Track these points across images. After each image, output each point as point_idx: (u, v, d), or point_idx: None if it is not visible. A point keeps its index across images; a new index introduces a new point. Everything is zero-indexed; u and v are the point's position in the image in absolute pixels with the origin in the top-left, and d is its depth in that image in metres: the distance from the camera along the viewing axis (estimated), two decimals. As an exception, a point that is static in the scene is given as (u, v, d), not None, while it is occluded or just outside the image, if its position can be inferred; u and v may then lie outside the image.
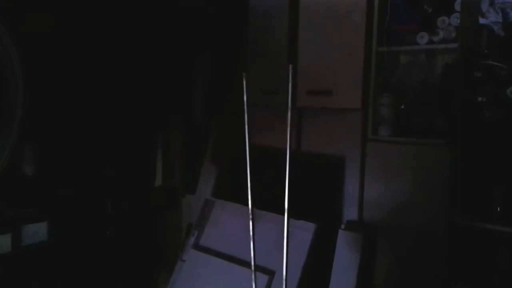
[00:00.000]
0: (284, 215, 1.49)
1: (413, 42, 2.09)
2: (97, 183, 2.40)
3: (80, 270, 2.30)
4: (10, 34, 1.93)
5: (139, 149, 2.66)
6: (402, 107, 2.17)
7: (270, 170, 2.19)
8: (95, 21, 2.32)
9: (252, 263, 1.56)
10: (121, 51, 2.45)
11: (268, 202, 2.02)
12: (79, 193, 2.31)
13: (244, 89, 1.33)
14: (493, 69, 1.96)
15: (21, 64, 1.97)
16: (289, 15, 2.36)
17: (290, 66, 1.26)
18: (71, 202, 2.26)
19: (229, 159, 2.64)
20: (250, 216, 1.45)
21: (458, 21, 1.98)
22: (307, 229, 2.06)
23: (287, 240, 1.50)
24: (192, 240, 2.38)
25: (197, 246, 2.35)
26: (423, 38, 2.06)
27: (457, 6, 1.99)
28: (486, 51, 1.99)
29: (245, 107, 1.34)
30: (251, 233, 1.54)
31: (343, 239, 2.06)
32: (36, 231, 2.12)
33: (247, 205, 1.56)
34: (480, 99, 1.98)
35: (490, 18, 1.99)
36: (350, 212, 2.22)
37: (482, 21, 2.00)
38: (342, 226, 2.11)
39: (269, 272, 2.02)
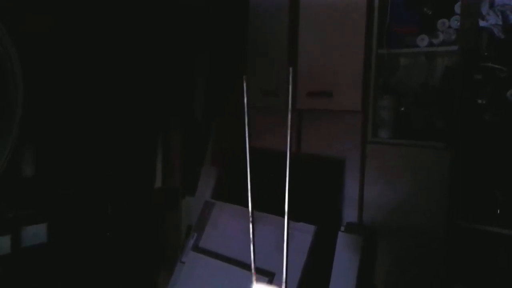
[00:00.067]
0: (284, 217, 1.49)
1: (413, 44, 2.09)
2: (97, 183, 2.40)
3: (80, 271, 2.30)
4: (10, 34, 1.93)
5: (139, 149, 2.66)
6: (402, 109, 2.17)
7: (270, 172, 2.19)
8: (95, 21, 2.32)
9: (252, 265, 1.56)
10: (121, 51, 2.44)
11: (268, 203, 2.02)
12: (79, 194, 2.30)
13: (245, 92, 1.33)
14: (493, 72, 1.96)
15: (21, 64, 1.97)
16: (289, 15, 2.36)
17: (291, 69, 1.26)
18: (71, 203, 2.26)
19: (229, 160, 2.64)
20: (250, 219, 1.44)
21: (458, 23, 1.98)
22: (307, 231, 2.06)
23: (287, 242, 1.50)
24: (191, 242, 2.38)
25: (197, 248, 2.34)
26: (423, 41, 2.06)
27: (457, 9, 1.99)
28: (486, 54, 1.99)
29: (246, 109, 1.34)
30: (251, 235, 1.54)
31: (343, 241, 2.06)
32: (35, 233, 2.12)
33: (247, 207, 1.56)
34: (480, 101, 1.98)
35: (490, 20, 1.98)
36: (350, 214, 2.22)
37: (482, 23, 2.00)
38: (342, 228, 2.11)
39: (269, 274, 2.02)
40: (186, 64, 2.81)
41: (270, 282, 2.02)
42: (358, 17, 2.13)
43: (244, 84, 1.31)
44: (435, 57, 2.18)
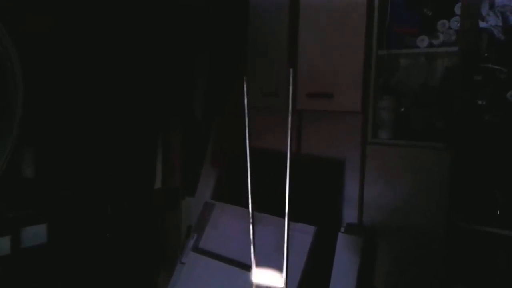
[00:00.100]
0: (284, 218, 1.49)
1: (413, 45, 2.09)
2: (97, 183, 2.40)
3: (80, 272, 2.30)
4: (10, 34, 1.93)
5: (139, 149, 2.66)
6: (402, 110, 2.17)
7: (270, 172, 2.19)
8: (95, 21, 2.32)
9: (253, 266, 1.56)
10: (121, 51, 2.44)
11: (268, 204, 2.02)
12: (79, 194, 2.30)
13: (245, 93, 1.33)
14: (493, 73, 1.96)
15: (21, 64, 1.96)
16: (289, 16, 2.36)
17: (291, 70, 1.26)
18: (71, 203, 2.26)
19: (229, 160, 2.64)
20: (251, 220, 1.45)
21: (458, 24, 1.98)
22: (307, 232, 2.06)
23: (287, 243, 1.50)
24: (191, 242, 2.38)
25: (197, 249, 2.34)
26: (423, 41, 2.06)
27: (457, 10, 1.99)
28: (486, 55, 1.99)
29: (246, 110, 1.34)
30: (251, 236, 1.54)
31: (343, 242, 2.06)
32: (35, 233, 2.12)
33: (247, 207, 1.56)
34: (480, 102, 1.99)
35: (490, 21, 1.99)
36: (350, 214, 2.22)
37: (482, 24, 2.00)
38: (342, 229, 2.11)
39: (269, 275, 2.02)
40: (186, 64, 2.81)
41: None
42: (358, 18, 2.13)
43: (245, 86, 1.31)
44: (435, 58, 2.18)
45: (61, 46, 2.19)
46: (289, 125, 1.37)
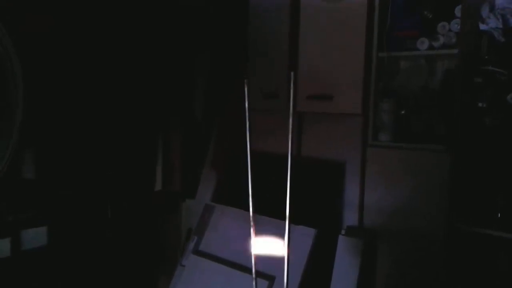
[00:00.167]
0: (284, 220, 1.49)
1: (413, 47, 2.09)
2: (97, 183, 2.40)
3: (80, 274, 2.30)
4: (10, 34, 1.93)
5: (139, 149, 2.65)
6: (402, 112, 2.17)
7: (270, 175, 2.19)
8: (95, 21, 2.32)
9: (253, 269, 1.56)
10: (121, 52, 2.44)
11: (268, 206, 2.02)
12: (79, 194, 2.30)
13: (246, 96, 1.33)
14: (493, 75, 1.96)
15: (21, 64, 1.97)
16: (290, 16, 2.36)
17: (292, 73, 1.26)
18: (71, 203, 2.26)
19: (229, 161, 2.64)
20: (251, 223, 1.44)
21: (459, 27, 1.98)
22: (307, 234, 2.06)
23: (288, 246, 1.50)
24: (191, 245, 2.38)
25: (197, 252, 2.34)
26: (423, 44, 2.06)
27: (458, 12, 1.99)
28: (486, 57, 2.00)
29: (247, 114, 1.34)
30: (252, 239, 1.54)
31: (343, 244, 2.06)
32: (35, 236, 2.12)
33: (247, 210, 1.56)
34: (480, 104, 1.99)
35: (490, 24, 1.99)
36: (350, 217, 2.22)
37: (482, 27, 2.00)
38: (343, 232, 2.11)
39: (269, 278, 2.02)
40: (186, 64, 2.81)
41: (270, 286, 2.02)
42: (359, 20, 2.13)
43: (246, 89, 1.31)
44: (435, 60, 2.18)
45: (61, 46, 2.19)
46: (290, 128, 1.37)
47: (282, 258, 1.52)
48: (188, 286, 2.26)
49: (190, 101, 2.88)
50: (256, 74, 2.47)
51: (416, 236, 2.01)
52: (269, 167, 2.16)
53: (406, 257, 2.04)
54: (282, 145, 1.51)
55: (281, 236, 1.54)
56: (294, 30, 2.35)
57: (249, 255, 1.58)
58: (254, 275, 1.58)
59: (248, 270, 1.89)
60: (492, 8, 2.02)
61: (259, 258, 1.59)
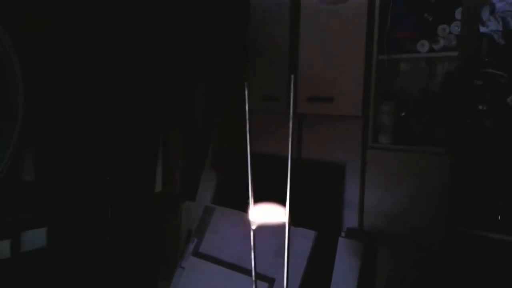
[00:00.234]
0: (284, 222, 1.49)
1: (413, 50, 2.09)
2: (97, 183, 2.39)
3: (79, 275, 2.29)
4: (10, 35, 1.93)
5: (140, 149, 2.65)
6: (403, 114, 2.17)
7: (270, 176, 2.19)
8: (95, 21, 2.32)
9: (253, 271, 1.56)
10: (121, 52, 2.44)
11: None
12: (79, 193, 2.30)
13: (246, 98, 1.33)
14: (493, 77, 1.96)
15: (21, 64, 1.97)
16: (290, 17, 2.36)
17: (292, 76, 1.26)
18: (71, 203, 2.25)
19: (229, 163, 2.64)
20: (252, 227, 1.44)
21: (459, 29, 1.98)
22: (307, 236, 2.06)
23: (288, 248, 1.49)
24: (191, 247, 2.38)
25: (197, 253, 2.34)
26: (423, 46, 2.06)
27: (458, 15, 2.00)
28: (486, 60, 2.00)
29: (247, 116, 1.34)
30: (251, 241, 1.53)
31: (343, 246, 2.06)
32: (35, 237, 2.12)
33: (247, 212, 1.56)
34: (480, 107, 1.99)
35: (491, 26, 1.99)
36: (350, 219, 2.22)
37: (482, 29, 2.01)
38: (342, 234, 2.11)
39: (269, 280, 2.02)
40: (186, 64, 2.81)
41: (270, 287, 2.01)
42: (359, 22, 2.13)
43: (246, 91, 1.31)
44: (436, 63, 2.19)
45: (61, 46, 2.19)
46: (290, 130, 1.37)
47: (282, 260, 1.52)
48: (188, 288, 2.26)
49: (190, 101, 2.88)
50: (256, 75, 2.47)
51: (416, 238, 2.01)
52: (269, 168, 2.16)
53: (406, 259, 2.04)
54: (282, 146, 1.51)
55: (281, 238, 1.53)
56: (294, 32, 2.35)
57: (248, 257, 1.57)
58: (254, 277, 1.57)
59: (248, 272, 1.89)
60: (492, 11, 2.02)
61: (259, 260, 1.58)
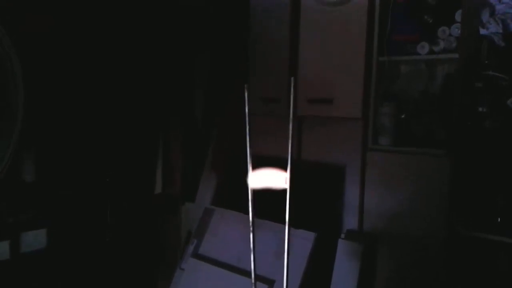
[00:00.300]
0: (284, 224, 1.49)
1: (413, 52, 2.09)
2: (97, 183, 2.39)
3: (79, 276, 2.29)
4: (10, 35, 1.93)
5: (140, 149, 2.65)
6: (403, 116, 2.17)
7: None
8: (95, 21, 2.32)
9: (252, 273, 1.56)
10: (121, 52, 2.44)
11: (268, 210, 2.02)
12: (79, 193, 2.29)
13: (246, 101, 1.33)
14: (493, 80, 1.96)
15: (21, 64, 1.97)
16: (290, 17, 2.36)
17: (292, 78, 1.26)
18: (71, 203, 2.25)
19: (229, 163, 2.64)
20: (251, 228, 1.44)
21: (459, 31, 1.98)
22: (307, 238, 2.06)
23: (287, 249, 1.49)
24: (191, 248, 2.37)
25: (197, 255, 2.34)
26: (423, 48, 2.06)
27: (458, 17, 1.99)
28: (486, 62, 2.00)
29: (247, 118, 1.34)
30: (251, 243, 1.53)
31: (343, 248, 2.06)
32: (35, 238, 2.12)
33: (247, 213, 1.56)
34: (480, 109, 1.99)
35: (491, 28, 2.00)
36: (350, 221, 2.22)
37: (482, 31, 2.01)
38: (342, 235, 2.11)
39: (268, 282, 2.02)
40: (186, 64, 2.81)
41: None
42: (359, 24, 2.13)
43: (246, 93, 1.31)
44: (436, 65, 2.19)
45: (61, 46, 2.19)
46: (290, 132, 1.37)
47: (281, 261, 1.52)
48: (187, 290, 2.26)
49: (190, 101, 2.88)
50: (256, 76, 2.47)
51: (416, 240, 2.01)
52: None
53: (406, 261, 2.04)
54: (283, 148, 1.51)
55: (281, 239, 1.54)
56: (294, 32, 2.35)
57: (248, 258, 1.57)
58: (253, 279, 1.57)
59: (247, 273, 1.89)
60: (492, 13, 2.03)
61: (259, 262, 1.58)
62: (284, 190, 1.47)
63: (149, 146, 2.73)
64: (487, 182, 2.00)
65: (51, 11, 2.14)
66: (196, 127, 2.88)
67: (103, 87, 2.38)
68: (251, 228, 1.49)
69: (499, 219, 1.95)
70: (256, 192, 1.53)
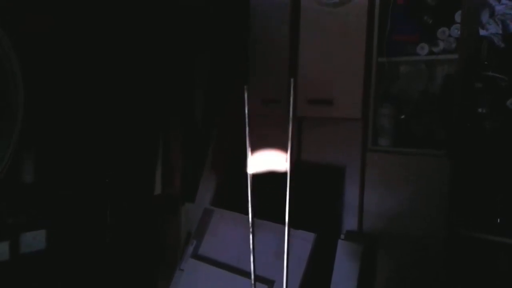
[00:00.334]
0: (284, 224, 1.49)
1: (413, 52, 2.09)
2: (97, 183, 2.39)
3: (79, 277, 2.29)
4: (10, 35, 1.93)
5: (139, 150, 2.64)
6: (402, 117, 2.18)
7: (270, 178, 2.19)
8: (95, 21, 2.32)
9: (252, 273, 1.56)
10: (121, 52, 2.44)
11: (267, 210, 2.02)
12: (79, 193, 2.29)
13: (246, 102, 1.33)
14: (493, 80, 1.96)
15: (21, 64, 1.97)
16: (290, 17, 2.36)
17: (292, 79, 1.26)
18: (70, 205, 2.25)
19: (229, 163, 2.64)
20: (251, 229, 1.44)
21: (459, 32, 1.99)
22: (307, 238, 2.06)
23: (287, 250, 1.50)
24: (191, 249, 2.37)
25: (196, 256, 2.34)
26: (423, 49, 2.06)
27: (458, 18, 2.00)
28: (486, 62, 2.00)
29: (246, 119, 1.34)
30: (251, 243, 1.54)
31: (342, 249, 2.06)
32: (34, 238, 2.11)
33: (247, 214, 1.56)
34: (480, 110, 1.99)
35: (490, 29, 2.00)
36: (350, 221, 2.22)
37: (482, 32, 2.01)
38: (342, 236, 2.11)
39: (268, 282, 2.02)
40: (186, 64, 2.81)
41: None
42: (359, 25, 2.14)
43: (245, 95, 1.31)
44: (435, 66, 2.19)
45: (61, 46, 2.19)
46: (290, 134, 1.37)
47: (281, 262, 1.52)
48: (187, 290, 2.26)
49: (190, 101, 2.88)
50: (256, 77, 2.47)
51: (416, 240, 2.01)
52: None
53: (406, 261, 2.04)
54: (283, 148, 1.51)
55: (281, 240, 1.54)
56: (294, 32, 2.35)
57: (248, 259, 1.57)
58: (253, 280, 1.57)
59: (247, 274, 1.89)
60: (492, 14, 2.03)
61: (258, 262, 1.58)
62: (284, 191, 1.47)
63: (149, 146, 2.73)
64: (487, 182, 2.00)
65: (51, 11, 2.14)
66: (196, 127, 2.88)
67: (103, 87, 2.38)
68: (250, 229, 1.49)
69: (499, 219, 1.95)
70: (256, 192, 1.53)
